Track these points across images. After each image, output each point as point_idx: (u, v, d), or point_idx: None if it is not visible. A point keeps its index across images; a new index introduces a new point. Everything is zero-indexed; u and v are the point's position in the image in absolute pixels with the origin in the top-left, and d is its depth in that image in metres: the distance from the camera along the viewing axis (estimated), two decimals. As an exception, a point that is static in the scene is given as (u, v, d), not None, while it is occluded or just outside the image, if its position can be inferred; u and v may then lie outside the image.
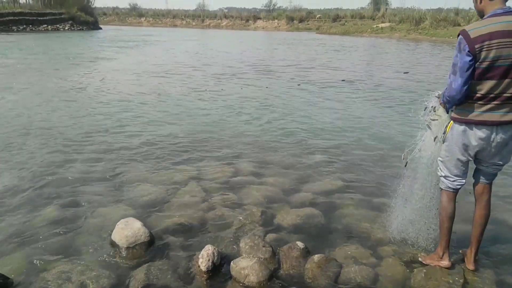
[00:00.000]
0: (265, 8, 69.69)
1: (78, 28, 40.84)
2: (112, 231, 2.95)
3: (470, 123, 2.31)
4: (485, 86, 2.22)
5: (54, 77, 10.95)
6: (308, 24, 47.09)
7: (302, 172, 4.38)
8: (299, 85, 8.73)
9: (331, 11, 53.94)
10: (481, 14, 2.31)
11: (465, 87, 2.22)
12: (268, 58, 17.12)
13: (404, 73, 9.08)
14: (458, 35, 2.24)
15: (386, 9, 43.49)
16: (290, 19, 49.39)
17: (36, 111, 6.99)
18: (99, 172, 4.25)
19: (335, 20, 44.90)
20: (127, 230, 2.87)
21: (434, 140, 2.58)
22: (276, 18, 51.61)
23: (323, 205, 3.58)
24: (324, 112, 7.26)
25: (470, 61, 2.18)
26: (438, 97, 2.59)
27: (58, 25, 39.79)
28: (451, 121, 2.42)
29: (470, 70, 2.20)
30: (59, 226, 3.15)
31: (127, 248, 2.80)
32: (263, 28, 50.33)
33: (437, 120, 2.57)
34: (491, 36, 2.14)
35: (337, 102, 8.17)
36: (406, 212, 2.86)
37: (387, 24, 35.66)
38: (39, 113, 6.88)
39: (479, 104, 2.26)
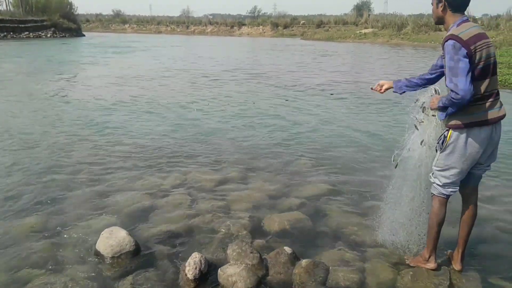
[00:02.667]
0: (249, 15, 70.07)
1: (61, 35, 40.28)
2: (96, 240, 2.88)
3: (474, 126, 2.29)
4: (483, 86, 2.27)
5: (36, 84, 10.76)
6: (293, 30, 47.44)
7: (289, 177, 4.38)
8: (286, 100, 8.80)
9: (315, 17, 54.40)
10: (438, 22, 2.40)
11: (472, 86, 2.17)
12: (254, 64, 17.15)
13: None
14: (447, 41, 2.24)
15: (369, 15, 44.04)
16: (275, 25, 49.67)
17: (17, 119, 6.84)
18: (83, 181, 4.17)
19: (319, 26, 45.30)
20: (112, 239, 2.81)
21: (421, 143, 2.57)
22: (261, 25, 51.81)
23: (311, 209, 3.59)
24: (310, 117, 7.29)
25: (469, 62, 2.20)
26: (435, 92, 2.53)
27: (40, 32, 39.19)
28: (450, 130, 2.35)
29: (471, 71, 2.20)
30: (42, 236, 3.08)
31: (112, 257, 2.75)
32: (248, 34, 50.49)
33: (423, 122, 2.56)
34: (477, 37, 2.22)
35: (322, 107, 8.22)
36: (396, 214, 2.86)
37: (370, 30, 36.17)
38: (20, 120, 6.75)
39: (479, 104, 2.28)
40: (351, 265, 2.73)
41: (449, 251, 2.79)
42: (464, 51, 2.18)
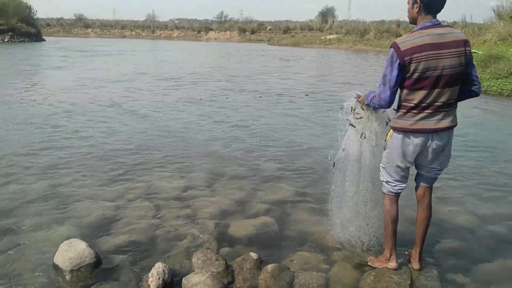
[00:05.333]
0: (216, 20, 70.04)
1: (19, 40, 38.55)
2: (54, 253, 2.76)
3: (407, 132, 2.42)
4: (417, 96, 2.34)
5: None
6: (260, 36, 47.80)
7: (255, 182, 4.38)
8: (260, 97, 8.83)
9: (282, 23, 55.08)
10: (413, 21, 2.45)
11: (393, 98, 2.39)
12: (223, 68, 17.12)
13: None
14: (390, 47, 2.36)
15: (333, 21, 45.11)
16: (242, 30, 49.87)
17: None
18: (39, 190, 3.99)
19: (285, 32, 45.88)
20: (71, 251, 2.70)
21: (361, 136, 2.74)
22: (228, 30, 51.88)
23: (277, 214, 3.60)
24: (276, 121, 7.35)
25: (397, 75, 2.31)
26: (357, 97, 2.75)
27: (-4, 37, 37.42)
28: (391, 130, 2.51)
29: (398, 84, 2.36)
30: (-5, 251, 2.92)
31: (71, 271, 2.64)
32: (215, 39, 50.40)
33: (362, 118, 2.73)
34: (420, 48, 2.26)
35: (289, 111, 8.31)
36: (344, 211, 2.95)
37: (335, 36, 37.02)
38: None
39: (413, 113, 2.37)
40: (316, 268, 2.76)
41: (409, 250, 2.88)
42: (397, 62, 2.29)
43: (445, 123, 2.38)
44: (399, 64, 2.29)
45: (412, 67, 2.27)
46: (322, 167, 4.85)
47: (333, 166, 2.89)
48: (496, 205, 3.88)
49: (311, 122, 7.39)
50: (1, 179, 4.27)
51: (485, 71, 11.70)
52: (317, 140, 6.15)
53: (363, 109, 2.74)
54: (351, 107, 2.78)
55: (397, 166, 2.52)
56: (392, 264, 2.68)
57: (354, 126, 2.76)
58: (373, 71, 16.38)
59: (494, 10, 19.82)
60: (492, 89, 10.56)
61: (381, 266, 2.71)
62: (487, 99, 9.89)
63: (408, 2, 2.43)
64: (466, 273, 2.76)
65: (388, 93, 2.37)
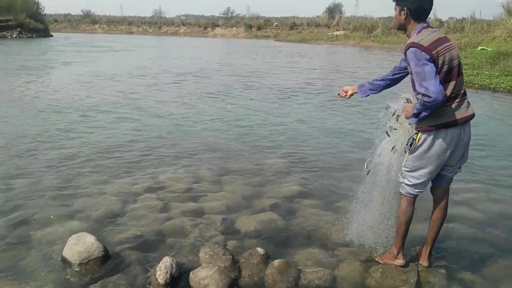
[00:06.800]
0: (223, 16, 69.83)
1: (27, 36, 38.83)
2: (63, 247, 2.79)
3: (441, 128, 2.34)
4: (449, 88, 2.32)
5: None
6: (266, 32, 47.66)
7: (262, 177, 4.39)
8: (251, 99, 8.83)
9: (288, 19, 54.86)
10: (400, 28, 2.47)
11: (442, 87, 2.21)
12: (231, 65, 17.12)
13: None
14: (408, 49, 2.30)
15: (340, 17, 44.85)
16: (249, 26, 49.75)
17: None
18: (48, 185, 4.03)
19: (292, 28, 45.72)
20: (79, 245, 2.73)
21: (392, 149, 2.62)
22: (235, 26, 51.79)
23: (284, 210, 3.60)
24: (283, 118, 7.34)
25: (432, 66, 2.24)
26: (407, 101, 2.58)
27: (5, 33, 37.66)
28: (420, 133, 2.40)
29: (437, 73, 2.24)
30: (5, 243, 2.96)
31: (80, 264, 2.67)
32: (222, 35, 50.35)
33: (396, 129, 2.61)
34: (438, 43, 2.28)
35: (295, 108, 8.29)
36: (366, 217, 2.90)
37: (342, 32, 36.85)
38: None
39: (446, 106, 2.33)
40: (322, 264, 2.76)
41: (417, 247, 2.87)
42: (426, 56, 2.24)
43: (471, 110, 2.40)
44: (429, 58, 2.24)
45: (440, 60, 2.27)
46: (330, 165, 4.85)
47: (368, 174, 2.78)
48: (505, 203, 3.85)
49: (319, 118, 7.37)
50: (10, 173, 4.32)
51: (494, 68, 11.58)
52: (327, 137, 6.13)
53: (400, 123, 2.60)
54: (394, 112, 2.62)
55: (428, 169, 2.44)
56: (399, 261, 2.67)
57: (389, 136, 2.65)
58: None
59: (503, 7, 19.58)
60: (502, 86, 10.44)
61: (388, 262, 2.70)
62: (496, 96, 9.79)
63: (395, 9, 2.45)
64: (474, 271, 2.74)
65: (433, 83, 2.18)
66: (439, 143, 2.36)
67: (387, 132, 2.66)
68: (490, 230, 3.33)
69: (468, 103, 2.40)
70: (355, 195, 3.01)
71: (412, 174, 2.49)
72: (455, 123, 2.34)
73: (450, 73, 2.31)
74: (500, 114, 8.04)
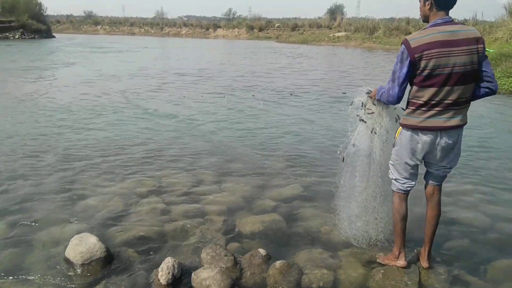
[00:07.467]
0: (225, 17, 69.82)
1: (30, 37, 38.95)
2: (66, 247, 2.80)
3: (416, 129, 2.42)
4: (427, 94, 2.33)
5: (3, 85, 10.36)
6: (268, 33, 47.63)
7: (263, 178, 4.39)
8: (253, 96, 8.84)
9: (290, 21, 54.79)
10: (425, 19, 2.42)
11: (401, 94, 2.41)
12: (232, 66, 17.13)
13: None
14: (401, 44, 2.36)
15: (342, 18, 44.78)
16: (250, 27, 49.72)
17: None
18: (51, 185, 4.05)
19: (293, 29, 45.67)
20: (82, 246, 2.74)
21: (371, 132, 2.74)
22: (236, 27, 51.77)
23: (285, 211, 3.61)
24: (283, 119, 7.35)
25: (407, 72, 2.32)
26: (368, 93, 2.75)
27: (7, 34, 37.79)
28: (400, 127, 2.52)
29: (407, 81, 2.37)
30: (8, 243, 2.98)
31: (82, 264, 2.68)
32: (224, 36, 50.38)
33: (373, 113, 2.73)
34: (430, 45, 2.25)
35: (297, 109, 8.30)
36: (352, 207, 2.95)
37: (343, 33, 36.79)
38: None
39: (422, 110, 2.37)
40: (324, 265, 2.76)
41: (418, 248, 2.87)
42: (408, 59, 2.29)
43: (455, 121, 2.36)
44: (409, 61, 2.28)
45: (422, 64, 2.27)
46: (331, 165, 4.85)
47: (342, 161, 2.89)
48: (506, 205, 3.84)
49: (322, 119, 7.37)
50: (14, 174, 4.34)
51: (496, 69, 11.56)
52: (328, 137, 6.13)
53: (374, 104, 2.75)
54: (362, 103, 2.79)
55: (406, 163, 2.53)
56: (401, 262, 2.67)
57: (365, 122, 2.77)
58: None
59: (505, 8, 19.57)
60: (504, 87, 10.42)
61: (390, 263, 2.71)
62: (498, 97, 9.77)
63: (419, 1, 2.41)
64: (475, 273, 2.74)
65: (396, 89, 2.39)
66: (412, 141, 2.45)
67: (362, 120, 2.78)
68: (491, 231, 3.32)
69: (455, 114, 2.34)
70: (337, 188, 3.04)
71: (395, 167, 2.59)
72: (427, 129, 2.37)
73: (430, 79, 2.28)
74: (502, 115, 8.03)
